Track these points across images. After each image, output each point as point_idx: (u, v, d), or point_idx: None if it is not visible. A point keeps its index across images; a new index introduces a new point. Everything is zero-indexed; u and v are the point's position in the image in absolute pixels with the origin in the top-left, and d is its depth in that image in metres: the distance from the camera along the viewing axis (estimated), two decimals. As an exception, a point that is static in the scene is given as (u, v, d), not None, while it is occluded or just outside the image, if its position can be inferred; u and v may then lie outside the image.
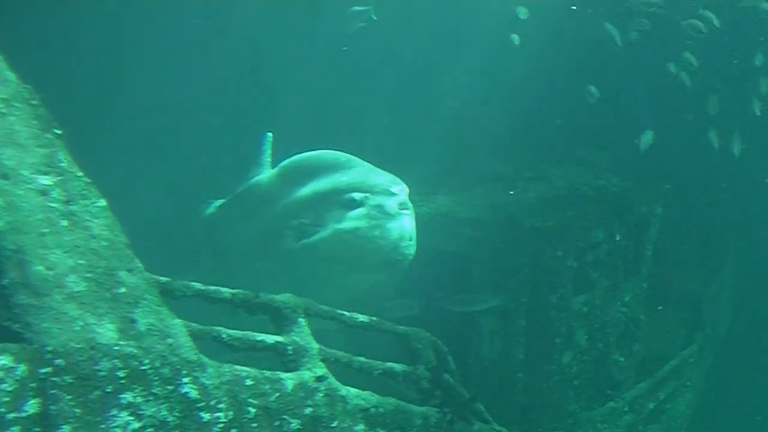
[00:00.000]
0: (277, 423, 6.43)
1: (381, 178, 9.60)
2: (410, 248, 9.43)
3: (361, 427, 6.95)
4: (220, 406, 6.09)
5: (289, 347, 6.91)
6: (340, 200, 9.46)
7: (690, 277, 12.84)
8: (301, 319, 7.13)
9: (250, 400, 6.28)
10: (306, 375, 6.76)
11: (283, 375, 6.63)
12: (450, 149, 11.46)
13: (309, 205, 9.67)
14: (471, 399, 8.04)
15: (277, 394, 6.48)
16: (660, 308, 12.23)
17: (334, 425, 6.78)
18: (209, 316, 6.84)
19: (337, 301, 9.21)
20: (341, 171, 9.65)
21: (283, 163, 10.19)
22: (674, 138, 11.24)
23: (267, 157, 10.74)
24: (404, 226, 9.36)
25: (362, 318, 7.75)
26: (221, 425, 6.06)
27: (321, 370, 6.87)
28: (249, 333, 6.74)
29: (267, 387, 6.43)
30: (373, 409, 7.05)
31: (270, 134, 10.86)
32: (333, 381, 6.90)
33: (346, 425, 6.85)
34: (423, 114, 11.83)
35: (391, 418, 7.17)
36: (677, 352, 12.67)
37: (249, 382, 6.32)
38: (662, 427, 12.44)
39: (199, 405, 5.96)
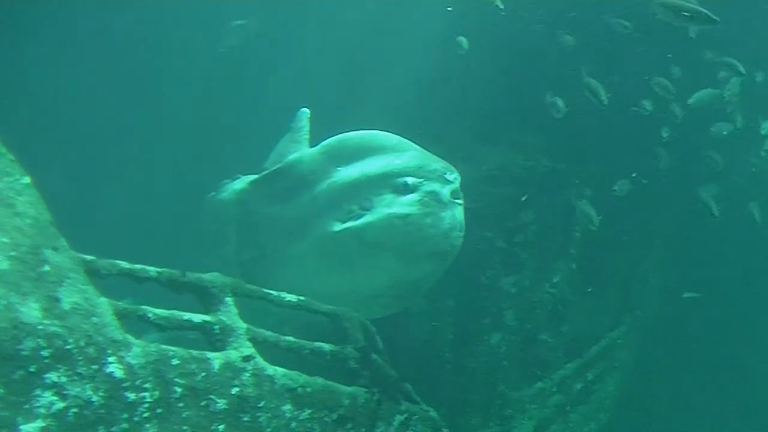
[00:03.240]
0: (203, 403, 6.54)
1: (437, 163, 9.41)
2: (459, 239, 9.27)
3: (288, 406, 7.09)
4: (146, 385, 6.19)
5: (216, 326, 7.02)
6: (391, 184, 9.22)
7: (619, 259, 13.08)
8: (228, 299, 7.22)
9: (177, 379, 6.39)
10: (233, 354, 6.88)
11: (210, 354, 6.75)
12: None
13: (356, 187, 9.37)
14: (399, 379, 8.21)
15: (204, 374, 6.59)
16: (589, 289, 12.43)
17: (261, 405, 6.91)
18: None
19: (380, 293, 9.36)
20: (393, 153, 9.42)
21: (328, 141, 9.87)
22: (605, 120, 11.47)
23: (305, 133, 10.43)
24: (456, 215, 9.21)
25: (290, 297, 7.88)
26: (147, 405, 6.16)
27: (248, 349, 7.00)
28: (175, 312, 6.83)
29: (194, 366, 6.54)
30: (300, 389, 7.19)
31: (307, 110, 10.61)
32: (260, 360, 7.02)
33: (273, 405, 6.99)
34: (362, 101, 11.97)
35: (318, 397, 7.31)
36: (606, 333, 12.91)
37: (175, 362, 6.42)
38: (591, 408, 12.68)
39: (124, 385, 6.05)
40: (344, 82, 12.55)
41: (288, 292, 8.14)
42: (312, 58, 12.81)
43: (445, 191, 9.18)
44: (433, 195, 9.13)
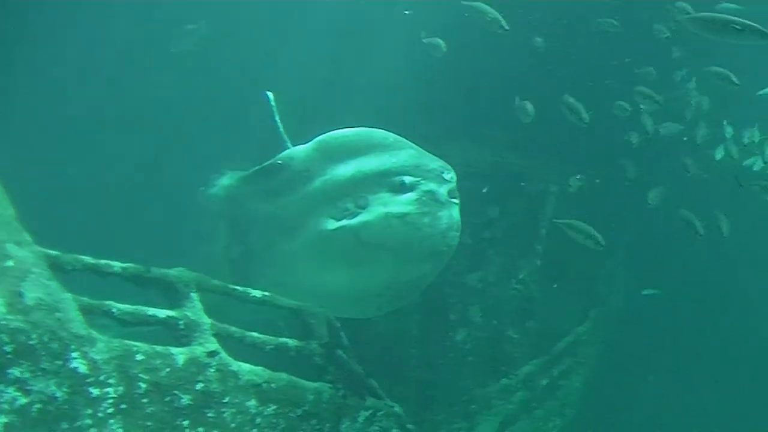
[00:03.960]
0: (168, 398, 6.60)
1: (435, 162, 9.39)
2: (456, 239, 9.27)
3: (253, 402, 7.16)
4: (110, 381, 6.24)
5: (181, 322, 7.07)
6: (388, 182, 9.19)
7: (584, 255, 13.17)
8: (193, 294, 7.27)
9: (141, 375, 6.45)
10: (198, 350, 6.94)
11: (175, 350, 6.81)
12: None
13: (351, 185, 9.30)
14: (364, 375, 8.30)
15: (168, 369, 6.65)
16: (555, 286, 12.52)
17: (225, 401, 6.97)
18: None
19: (376, 292, 9.31)
20: (390, 151, 9.37)
21: (323, 137, 9.72)
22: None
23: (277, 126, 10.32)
24: (453, 215, 9.22)
25: (256, 293, 7.93)
26: (111, 400, 6.22)
27: (213, 345, 7.05)
28: (140, 308, 6.87)
29: (158, 362, 6.60)
30: (265, 385, 7.26)
31: (270, 93, 10.44)
32: (225, 356, 7.08)
33: (237, 401, 7.05)
34: (327, 97, 12.04)
35: (283, 393, 7.39)
36: (571, 329, 13.00)
37: (140, 357, 6.48)
38: (556, 404, 12.76)
39: (88, 380, 6.10)
40: (310, 79, 12.60)
41: (279, 291, 8.26)
42: (279, 55, 12.85)
43: (443, 190, 9.21)
44: (431, 194, 9.16)
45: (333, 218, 9.27)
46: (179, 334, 7.02)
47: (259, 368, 7.29)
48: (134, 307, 6.83)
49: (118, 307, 6.72)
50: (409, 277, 9.30)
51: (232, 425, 6.99)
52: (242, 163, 10.97)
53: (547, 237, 12.05)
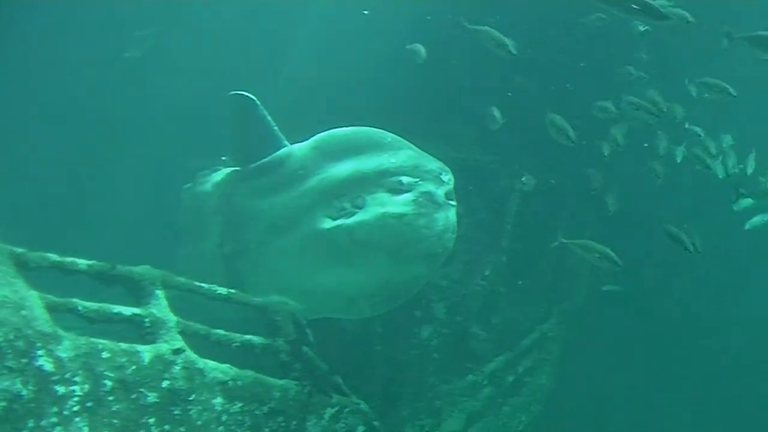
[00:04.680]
0: (134, 396, 6.67)
1: (433, 164, 9.40)
2: (452, 242, 9.28)
3: (219, 399, 7.24)
4: (76, 379, 6.30)
5: (147, 319, 7.13)
6: (386, 182, 9.20)
7: (549, 252, 13.26)
8: (158, 291, 7.33)
9: (107, 372, 6.51)
10: (163, 347, 7.01)
11: (140, 347, 6.88)
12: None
13: (348, 184, 9.29)
14: (330, 372, 8.39)
15: (134, 367, 6.72)
16: (520, 282, 12.60)
17: (191, 398, 7.05)
18: None
19: (370, 292, 9.28)
20: (389, 151, 9.38)
21: (321, 135, 9.74)
22: (538, 115, 11.68)
23: (270, 124, 9.97)
24: (449, 217, 9.24)
25: (221, 290, 8.00)
26: (77, 398, 6.27)
27: (179, 342, 7.12)
28: (105, 305, 6.92)
29: (124, 359, 6.66)
30: (231, 382, 7.35)
31: (251, 96, 10.11)
32: (191, 354, 7.15)
33: (204, 398, 7.13)
34: (299, 96, 12.13)
35: (249, 390, 7.48)
36: (537, 326, 13.09)
37: (106, 355, 6.54)
38: (522, 400, 12.85)
39: (54, 378, 6.15)
40: (280, 78, 12.69)
41: (272, 288, 8.50)
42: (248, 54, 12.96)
43: (440, 192, 9.25)
44: (428, 196, 9.18)
45: (329, 217, 9.28)
46: (145, 331, 7.08)
47: (225, 366, 7.37)
48: (99, 304, 6.88)
49: (83, 304, 6.78)
50: (403, 278, 9.29)
51: (198, 423, 7.07)
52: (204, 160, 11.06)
53: (512, 233, 12.12)
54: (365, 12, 12.03)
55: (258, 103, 9.99)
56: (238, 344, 7.74)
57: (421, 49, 11.19)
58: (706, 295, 14.28)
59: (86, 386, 6.33)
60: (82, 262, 7.01)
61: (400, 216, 9.05)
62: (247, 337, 7.85)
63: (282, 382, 7.83)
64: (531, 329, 13.01)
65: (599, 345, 13.94)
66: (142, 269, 7.35)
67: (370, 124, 9.88)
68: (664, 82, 11.93)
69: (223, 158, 11.30)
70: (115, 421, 6.47)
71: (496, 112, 11.11)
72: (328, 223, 9.25)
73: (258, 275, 9.51)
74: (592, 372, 14.21)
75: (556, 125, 10.67)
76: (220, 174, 10.68)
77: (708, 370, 14.21)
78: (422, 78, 11.50)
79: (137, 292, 7.26)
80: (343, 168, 9.39)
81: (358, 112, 10.81)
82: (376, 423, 8.51)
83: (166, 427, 6.83)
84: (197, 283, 7.82)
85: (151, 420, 6.73)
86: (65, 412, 6.17)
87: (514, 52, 9.97)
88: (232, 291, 8.12)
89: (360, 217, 9.15)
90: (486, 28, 10.15)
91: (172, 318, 7.24)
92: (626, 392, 14.24)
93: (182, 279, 7.67)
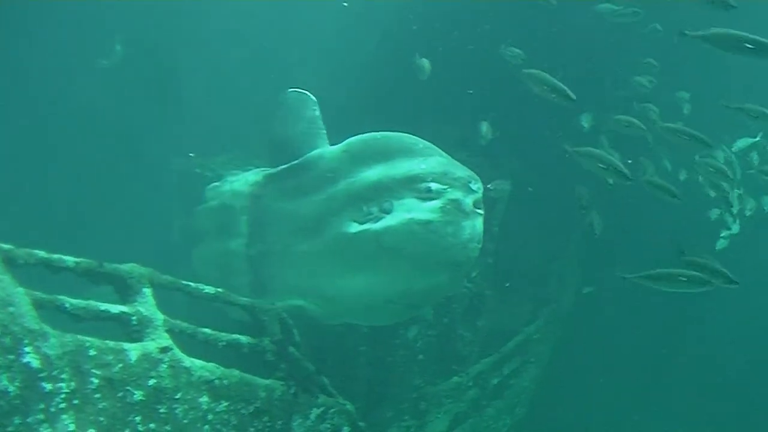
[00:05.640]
0: (120, 394, 6.71)
1: (462, 171, 9.30)
2: (476, 251, 9.20)
3: (205, 398, 7.29)
4: (63, 376, 6.34)
5: (134, 317, 7.18)
6: (414, 188, 9.09)
7: (536, 254, 13.34)
8: (146, 290, 7.38)
9: (94, 370, 6.56)
10: (150, 346, 7.06)
11: (127, 345, 6.93)
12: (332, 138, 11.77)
13: (377, 189, 9.23)
14: (316, 372, 8.48)
15: (121, 365, 6.77)
16: (506, 284, 12.65)
17: (177, 397, 7.10)
18: None
19: (392, 299, 9.25)
20: (419, 157, 9.29)
21: (352, 139, 9.69)
22: (523, 116, 11.77)
23: (322, 125, 10.07)
24: (476, 226, 9.13)
25: (208, 289, 8.06)
26: (64, 395, 6.32)
27: (166, 341, 7.17)
28: (93, 302, 6.97)
29: (110, 357, 6.71)
30: (217, 381, 7.40)
31: (310, 95, 10.22)
32: (177, 352, 7.20)
33: (190, 397, 7.18)
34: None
35: (235, 390, 7.53)
36: (522, 328, 13.16)
37: (92, 353, 6.58)
38: (506, 403, 12.93)
39: (41, 375, 6.19)
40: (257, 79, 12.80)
41: (294, 291, 8.76)
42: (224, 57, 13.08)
43: (468, 200, 9.13)
44: (456, 203, 9.07)
45: (356, 221, 9.23)
46: (132, 329, 7.13)
47: (211, 365, 7.42)
48: (87, 302, 6.93)
49: (70, 301, 6.82)
50: (425, 286, 9.24)
51: (184, 421, 7.12)
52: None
53: (499, 235, 12.18)
54: (344, 4, 12.10)
55: (315, 101, 10.08)
56: (224, 343, 7.80)
57: (426, 63, 11.22)
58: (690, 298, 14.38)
59: (73, 384, 6.37)
60: (70, 259, 7.05)
61: (427, 223, 8.97)
62: (234, 336, 7.91)
63: (268, 381, 7.87)
64: (517, 332, 13.07)
65: (585, 347, 14.02)
66: (129, 267, 7.40)
67: (351, 123, 9.96)
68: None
69: (191, 155, 11.40)
70: (101, 418, 6.51)
71: (485, 126, 11.13)
72: (354, 227, 9.21)
73: (282, 277, 9.52)
74: (578, 375, 14.30)
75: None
76: (250, 174, 10.69)
77: (694, 374, 14.34)
78: (406, 77, 11.56)
79: (124, 290, 7.30)
80: (373, 172, 9.34)
81: (340, 109, 10.89)
82: (361, 424, 8.57)
83: (152, 425, 6.88)
84: (184, 282, 7.86)
85: (137, 418, 6.79)
86: (52, 409, 6.21)
87: (574, 97, 9.77)
88: (219, 290, 8.17)
89: (387, 222, 9.08)
90: (539, 72, 9.96)
91: (159, 316, 7.29)
92: (612, 396, 14.34)
93: (169, 277, 7.70)
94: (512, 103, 11.55)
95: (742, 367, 14.49)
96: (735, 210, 12.03)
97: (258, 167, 10.89)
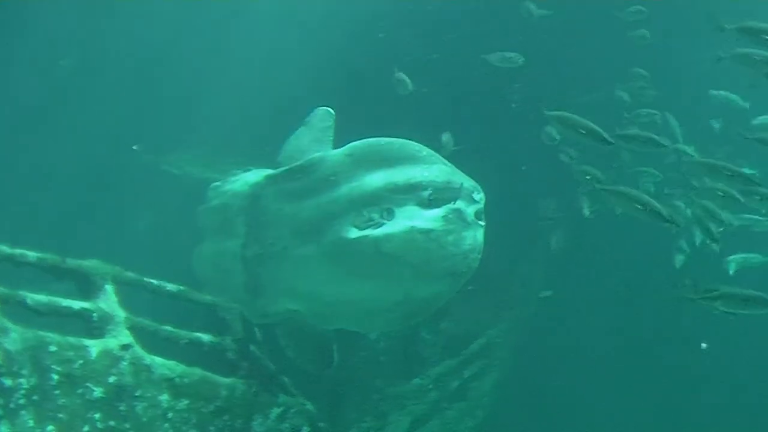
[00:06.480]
0: (80, 390, 6.75)
1: (465, 181, 9.30)
2: (476, 262, 9.20)
3: (165, 396, 7.33)
4: (23, 372, 6.37)
5: (95, 314, 7.21)
6: (417, 196, 9.04)
7: (500, 258, 13.39)
8: (108, 286, 7.41)
9: (54, 366, 6.59)
10: (111, 342, 7.09)
11: (88, 342, 6.96)
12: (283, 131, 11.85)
13: (379, 195, 9.15)
14: (277, 371, 8.54)
15: (81, 361, 6.80)
16: (470, 287, 12.70)
17: (138, 394, 7.14)
18: None
19: (389, 307, 9.22)
20: (422, 165, 9.26)
21: (355, 143, 9.62)
22: (488, 119, 11.85)
23: (330, 135, 10.16)
24: (477, 237, 9.14)
25: (170, 287, 8.09)
26: (23, 391, 6.35)
27: (127, 338, 7.21)
28: (55, 298, 6.99)
29: (71, 354, 6.75)
30: (178, 379, 7.44)
31: (331, 110, 10.30)
32: (138, 349, 7.24)
33: (150, 394, 7.22)
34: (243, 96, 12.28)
35: (196, 388, 7.58)
36: (485, 332, 13.21)
37: (53, 348, 6.61)
38: (467, 405, 12.99)
39: (1, 370, 6.22)
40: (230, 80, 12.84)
41: (290, 295, 8.75)
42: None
43: (470, 210, 9.15)
44: (458, 213, 9.05)
45: (356, 227, 9.15)
46: (93, 326, 7.16)
47: (172, 362, 7.47)
48: (49, 297, 6.95)
49: (32, 297, 6.84)
50: (423, 295, 9.24)
51: (144, 419, 7.15)
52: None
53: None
54: None
55: (334, 115, 10.19)
56: (186, 341, 7.83)
57: (407, 79, 11.28)
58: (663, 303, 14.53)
59: (33, 379, 6.41)
60: (32, 254, 7.07)
61: (428, 231, 8.94)
62: (196, 334, 7.95)
63: (229, 380, 7.92)
64: (479, 335, 13.12)
65: (548, 352, 14.11)
66: (92, 263, 7.42)
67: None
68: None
69: (134, 147, 11.41)
70: (61, 415, 6.55)
71: (447, 137, 11.19)
72: (354, 233, 9.13)
73: (278, 280, 9.47)
74: (539, 379, 14.37)
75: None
76: (250, 174, 10.61)
77: (660, 380, 14.47)
78: (373, 82, 11.63)
79: (87, 287, 7.32)
80: (375, 178, 9.28)
81: (307, 108, 10.94)
82: (321, 424, 8.63)
83: (112, 422, 6.92)
84: (147, 279, 7.89)
85: (97, 415, 6.82)
86: (11, 405, 6.25)
87: (611, 141, 9.46)
88: (181, 287, 8.21)
89: (387, 229, 9.03)
90: (569, 114, 9.78)
91: (120, 313, 7.32)
92: (573, 401, 14.43)
93: (132, 274, 7.73)
94: (478, 109, 11.63)
95: (706, 368, 14.62)
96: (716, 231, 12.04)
97: (255, 167, 10.87)
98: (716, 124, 12.57)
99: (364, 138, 9.64)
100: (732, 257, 12.86)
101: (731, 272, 12.70)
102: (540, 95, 10.12)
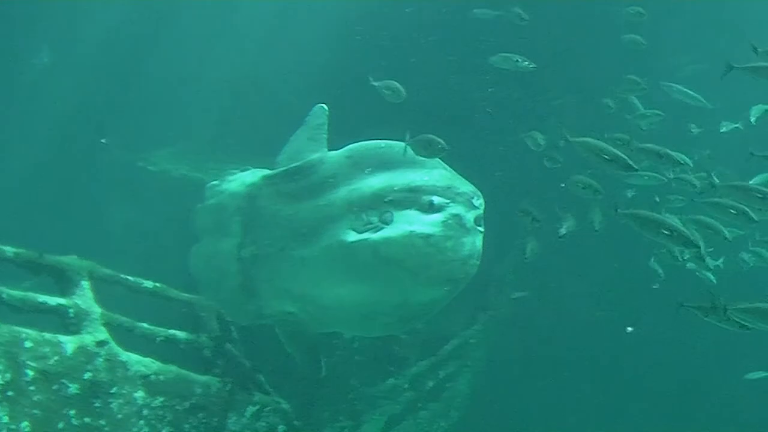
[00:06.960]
0: (55, 386, 6.74)
1: (466, 187, 9.25)
2: (475, 268, 9.13)
3: (140, 393, 7.34)
4: (-1, 367, 6.36)
5: (71, 310, 7.20)
6: (416, 200, 9.00)
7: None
8: (84, 282, 7.40)
9: (29, 362, 6.58)
10: (87, 339, 7.09)
11: (64, 338, 6.96)
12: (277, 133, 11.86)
13: (378, 198, 9.11)
14: (253, 370, 8.55)
15: (57, 358, 6.79)
16: (446, 289, 12.74)
17: (113, 391, 7.14)
18: None
19: (386, 311, 9.21)
20: (423, 169, 9.22)
21: (355, 145, 9.60)
22: (470, 122, 11.91)
23: (325, 132, 10.05)
24: (476, 243, 9.06)
25: (147, 284, 8.09)
26: (-2, 387, 6.34)
27: (103, 334, 7.21)
28: (30, 294, 6.98)
29: (47, 350, 6.74)
30: (153, 376, 7.45)
31: (325, 106, 10.24)
32: (114, 346, 7.24)
33: (125, 391, 7.22)
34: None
35: (171, 385, 7.59)
36: (460, 332, 13.26)
37: (28, 344, 6.61)
38: (442, 405, 13.04)
39: (-24, 366, 6.21)
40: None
41: (286, 297, 8.83)
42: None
43: (470, 216, 9.08)
44: (458, 219, 9.00)
45: (354, 230, 9.12)
46: (69, 322, 7.15)
47: (148, 359, 7.47)
48: (24, 293, 6.94)
49: (8, 292, 6.83)
50: (421, 300, 9.18)
51: (119, 416, 7.15)
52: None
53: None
54: None
55: (326, 110, 10.15)
56: (162, 338, 7.84)
57: (400, 87, 11.30)
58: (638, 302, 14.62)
59: (8, 375, 6.40)
60: (9, 250, 7.07)
61: (428, 236, 8.89)
62: (172, 331, 7.95)
63: (204, 378, 7.93)
64: (454, 336, 13.18)
65: (523, 353, 14.18)
66: (69, 259, 7.42)
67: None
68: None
69: (102, 141, 11.40)
70: (36, 411, 6.54)
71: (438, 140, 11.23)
72: (352, 236, 9.10)
73: (274, 282, 9.48)
74: (514, 380, 14.44)
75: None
76: (247, 174, 10.58)
77: (636, 379, 14.58)
78: (352, 85, 11.68)
79: (63, 282, 7.32)
80: (375, 181, 9.26)
81: (293, 109, 10.96)
82: (296, 423, 8.64)
83: (87, 419, 6.92)
84: (123, 276, 7.89)
85: (72, 411, 6.82)
86: (-14, 401, 6.23)
87: (636, 168, 9.26)
88: (158, 285, 8.20)
89: (386, 233, 8.99)
90: (590, 140, 9.57)
91: (96, 309, 7.31)
92: (548, 401, 14.50)
93: (109, 270, 7.73)
94: (459, 112, 11.68)
95: (682, 371, 14.73)
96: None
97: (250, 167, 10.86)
98: (695, 129, 12.58)
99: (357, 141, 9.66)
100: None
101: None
102: (515, 98, 10.17)
